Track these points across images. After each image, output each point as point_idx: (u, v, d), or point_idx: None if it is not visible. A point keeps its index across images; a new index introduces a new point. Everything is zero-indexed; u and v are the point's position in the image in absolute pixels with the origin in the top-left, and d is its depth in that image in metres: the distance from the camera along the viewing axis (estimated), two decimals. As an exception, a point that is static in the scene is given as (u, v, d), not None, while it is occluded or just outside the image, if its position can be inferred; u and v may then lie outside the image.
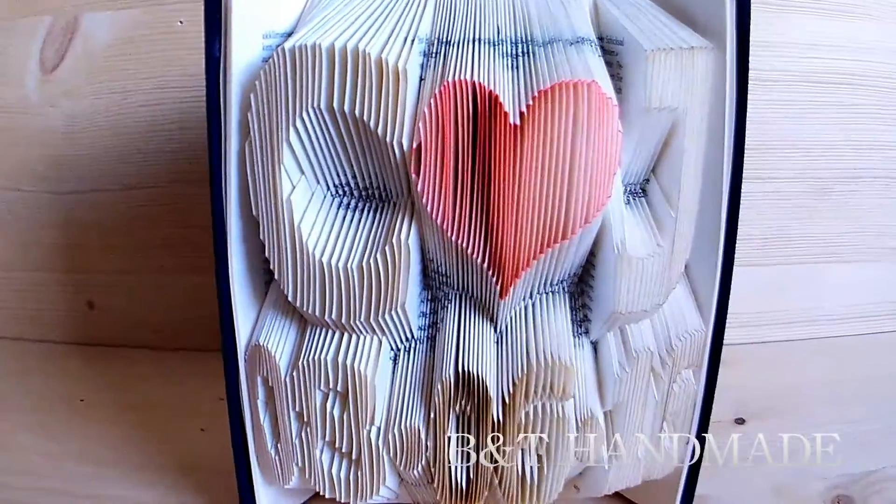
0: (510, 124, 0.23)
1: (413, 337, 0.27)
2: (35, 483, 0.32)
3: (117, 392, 0.40)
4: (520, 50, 0.24)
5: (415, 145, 0.23)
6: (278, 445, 0.28)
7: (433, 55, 0.24)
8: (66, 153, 0.41)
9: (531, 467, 0.27)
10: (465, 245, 0.24)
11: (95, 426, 0.36)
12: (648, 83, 0.23)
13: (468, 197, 0.23)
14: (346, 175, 0.25)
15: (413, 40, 0.24)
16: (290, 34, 0.25)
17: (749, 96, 0.44)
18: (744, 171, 0.44)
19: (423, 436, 0.26)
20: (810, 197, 0.45)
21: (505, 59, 0.24)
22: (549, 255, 0.24)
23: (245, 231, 0.26)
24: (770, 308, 0.46)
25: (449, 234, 0.24)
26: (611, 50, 0.25)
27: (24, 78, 0.40)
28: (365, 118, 0.23)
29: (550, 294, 0.26)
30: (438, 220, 0.23)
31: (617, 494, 0.32)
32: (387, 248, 0.24)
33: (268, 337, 0.26)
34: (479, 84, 0.22)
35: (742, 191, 0.45)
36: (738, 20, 0.25)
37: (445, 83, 0.22)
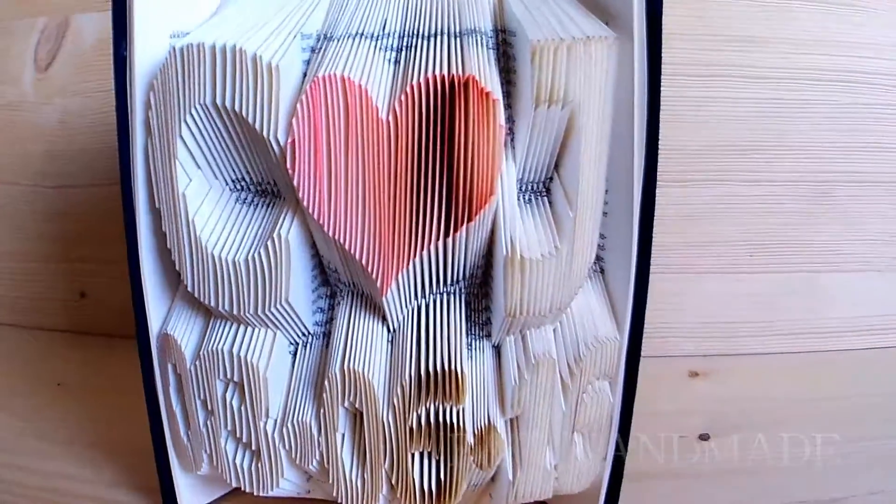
0: (381, 119, 0.23)
1: (310, 332, 0.27)
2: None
3: (95, 377, 0.42)
4: (404, 44, 0.24)
5: (290, 140, 0.23)
6: (189, 433, 0.28)
7: (318, 51, 0.24)
8: (60, 148, 0.44)
9: (428, 472, 0.27)
10: (342, 241, 0.24)
11: (62, 407, 0.39)
12: (535, 76, 0.23)
13: (342, 192, 0.23)
14: (240, 170, 0.26)
15: (296, 36, 0.24)
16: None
17: (741, 94, 0.42)
18: (729, 172, 0.42)
19: (315, 431, 0.26)
20: (806, 201, 0.42)
21: (386, 52, 0.24)
22: (433, 252, 0.24)
23: (156, 223, 0.27)
24: (760, 319, 0.44)
25: (326, 228, 0.24)
26: (509, 42, 0.25)
27: (22, 76, 0.43)
28: (244, 114, 0.23)
29: (446, 295, 0.26)
30: (315, 216, 0.24)
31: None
32: (268, 242, 0.24)
33: (175, 326, 0.27)
34: (348, 79, 0.22)
35: (730, 194, 0.43)
36: (647, 8, 0.24)
37: (315, 79, 0.22)
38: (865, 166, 0.42)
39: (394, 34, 0.24)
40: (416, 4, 0.25)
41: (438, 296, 0.26)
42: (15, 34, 0.43)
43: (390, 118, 0.23)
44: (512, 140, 0.24)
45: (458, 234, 0.24)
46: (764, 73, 0.41)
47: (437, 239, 0.24)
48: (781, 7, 0.40)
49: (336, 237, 0.24)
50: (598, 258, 0.27)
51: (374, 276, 0.24)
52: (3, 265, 0.47)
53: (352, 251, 0.24)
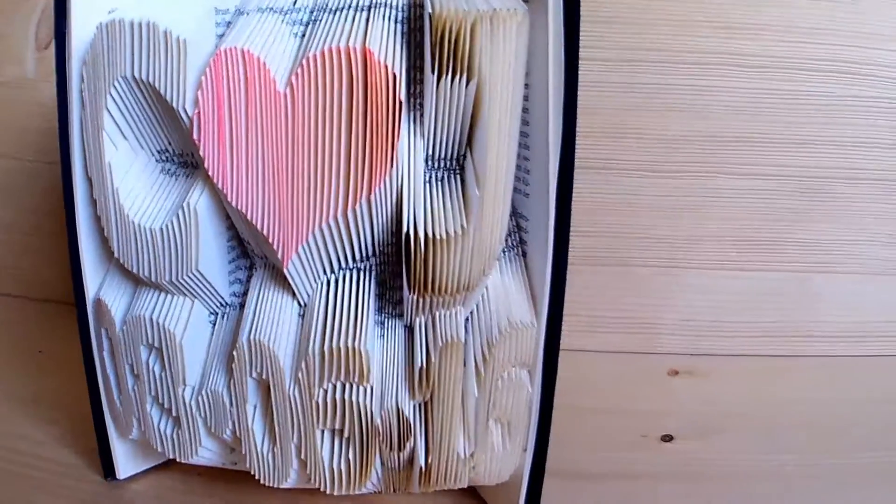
0: (278, 92, 0.23)
1: (227, 303, 0.27)
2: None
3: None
4: (313, 17, 0.24)
5: (195, 112, 0.23)
6: (120, 397, 0.29)
7: (230, 25, 0.25)
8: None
9: (338, 452, 0.27)
10: (244, 211, 0.24)
11: (35, 372, 0.40)
12: (435, 47, 0.22)
13: (243, 162, 0.24)
14: (163, 142, 0.27)
15: (210, 11, 0.24)
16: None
17: (730, 83, 0.41)
18: (719, 165, 0.41)
19: (226, 401, 0.27)
20: (798, 198, 0.40)
21: (294, 27, 0.24)
22: (332, 225, 0.24)
23: (90, 193, 0.28)
24: (750, 319, 0.42)
25: (229, 199, 0.24)
26: (421, 16, 0.24)
27: (24, 55, 0.45)
28: (157, 85, 0.24)
29: (357, 271, 0.26)
30: (220, 185, 0.24)
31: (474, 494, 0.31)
32: (178, 212, 0.25)
33: (107, 292, 0.28)
34: (247, 51, 0.23)
35: (718, 187, 0.41)
36: None
37: (217, 51, 0.23)
38: (861, 162, 0.40)
39: (304, 9, 0.25)
40: (330, -21, 0.25)
41: (349, 272, 0.26)
42: (17, 14, 0.45)
43: (287, 91, 0.23)
44: (421, 116, 0.24)
45: (357, 206, 0.24)
46: (755, 61, 0.39)
47: (336, 211, 0.24)
48: None
49: (239, 207, 0.24)
50: (522, 241, 0.27)
51: (274, 246, 0.24)
52: (5, 237, 0.49)
53: (254, 221, 0.24)
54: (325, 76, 0.22)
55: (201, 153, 0.24)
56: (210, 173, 0.24)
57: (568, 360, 0.27)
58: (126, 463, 0.31)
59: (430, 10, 0.22)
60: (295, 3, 0.25)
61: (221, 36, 0.25)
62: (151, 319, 0.27)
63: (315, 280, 0.26)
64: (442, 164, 0.25)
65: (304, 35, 0.24)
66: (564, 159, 0.25)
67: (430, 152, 0.25)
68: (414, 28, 0.25)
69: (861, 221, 0.41)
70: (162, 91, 0.24)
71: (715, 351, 0.42)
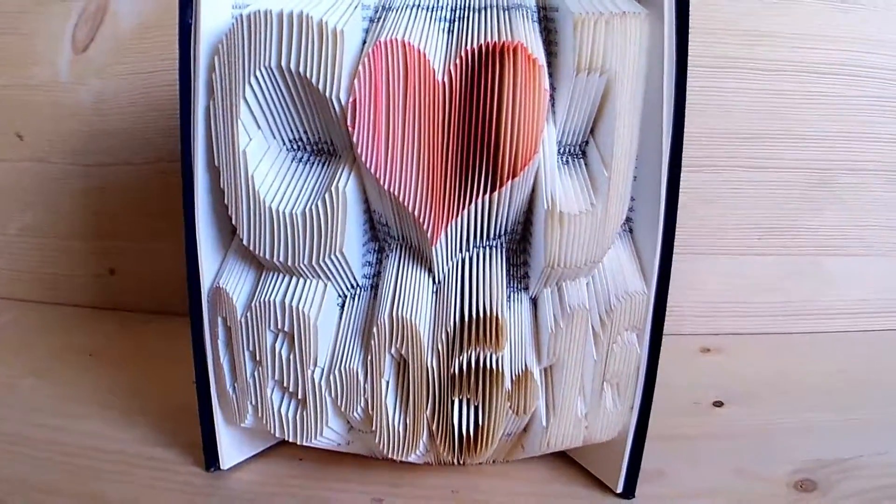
0: (437, 81, 0.25)
1: (358, 285, 0.29)
2: (34, 419, 0.36)
3: (124, 349, 0.44)
4: (457, 15, 0.27)
5: (351, 100, 0.25)
6: (236, 385, 0.30)
7: (377, 20, 0.27)
8: (94, 128, 0.46)
9: (466, 419, 0.29)
10: (396, 193, 0.26)
11: (94, 375, 0.41)
12: (576, 45, 0.25)
13: (398, 148, 0.26)
14: (298, 130, 0.28)
15: (357, 6, 0.26)
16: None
17: (749, 84, 0.46)
18: (737, 158, 0.45)
19: (361, 378, 0.28)
20: (811, 188, 0.46)
21: (441, 23, 0.27)
22: (479, 206, 0.26)
23: (212, 183, 0.29)
24: (769, 299, 0.47)
25: (381, 182, 0.26)
26: (550, 17, 0.27)
27: (59, 57, 0.45)
28: (308, 75, 0.26)
29: (488, 248, 0.28)
30: (372, 170, 0.26)
31: (567, 458, 0.33)
32: (326, 195, 0.27)
33: (228, 280, 0.30)
34: (408, 43, 0.25)
35: (739, 179, 0.46)
36: None
37: (377, 42, 0.25)
38: (867, 155, 0.45)
39: (447, 7, 0.27)
40: (467, -19, 0.28)
41: (481, 249, 0.28)
42: (44, 14, 0.45)
43: (445, 80, 0.25)
44: (553, 105, 0.27)
45: (503, 189, 0.26)
46: (771, 65, 0.44)
47: (484, 193, 0.26)
48: (788, 3, 0.43)
49: (391, 190, 0.26)
50: (628, 219, 0.30)
51: (425, 226, 0.26)
52: (37, 241, 0.49)
53: (406, 203, 0.26)
54: (481, 67, 0.25)
55: (354, 139, 0.26)
56: (362, 159, 0.26)
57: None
58: (231, 452, 0.32)
59: (573, 11, 0.25)
60: (438, 1, 0.27)
61: (366, 30, 0.27)
62: (283, 303, 0.28)
63: (452, 258, 0.28)
64: (567, 150, 0.28)
65: (450, 31, 0.26)
66: (674, 147, 0.28)
67: (560, 138, 0.28)
68: (543, 28, 0.27)
69: (866, 208, 0.46)
70: (314, 80, 0.26)
71: (741, 330, 0.47)
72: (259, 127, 0.28)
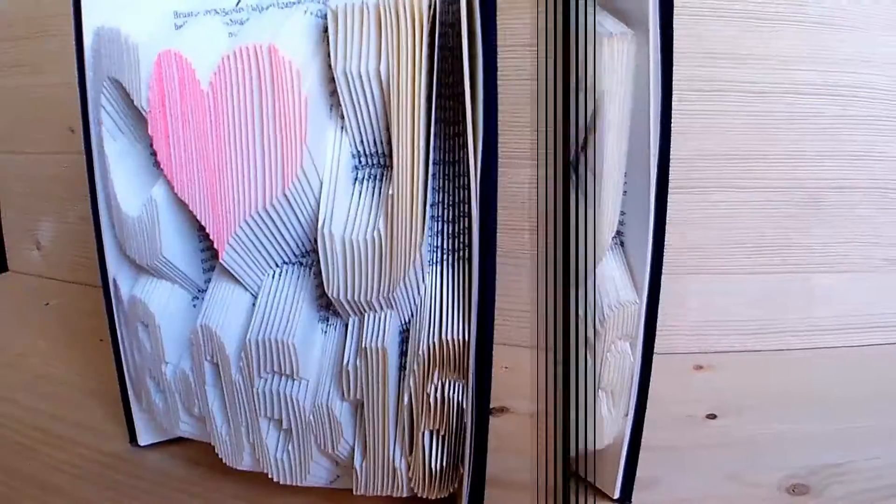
0: (202, 91, 0.24)
1: (204, 289, 0.29)
2: (36, 403, 0.40)
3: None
4: (242, 17, 0.25)
5: (148, 110, 0.26)
6: (133, 369, 0.33)
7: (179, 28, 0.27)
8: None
9: (279, 442, 0.28)
10: (187, 202, 0.26)
11: (97, 360, 0.44)
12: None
13: (182, 157, 0.26)
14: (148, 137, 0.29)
15: (166, 14, 0.26)
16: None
17: (737, 107, 0.44)
18: (727, 179, 0.44)
19: (191, 381, 0.29)
20: (798, 206, 0.45)
21: (232, 26, 0.25)
22: (259, 220, 0.25)
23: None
24: (759, 317, 0.46)
25: (175, 190, 0.26)
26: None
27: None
28: (124, 85, 0.27)
29: (299, 266, 0.27)
30: (168, 178, 0.26)
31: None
32: (146, 202, 0.27)
33: (118, 273, 0.32)
34: (177, 54, 0.24)
35: (727, 200, 0.45)
36: (661, 9, 0.25)
37: (158, 55, 0.25)
38: (851, 173, 0.44)
39: (248, 8, 0.26)
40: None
41: (293, 266, 0.27)
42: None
43: (208, 90, 0.24)
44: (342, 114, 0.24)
45: (275, 201, 0.24)
46: (756, 87, 0.43)
47: (258, 205, 0.24)
48: (770, 27, 0.42)
49: (184, 199, 0.26)
50: (619, 232, 0.28)
51: (211, 237, 0.26)
52: (64, 226, 0.56)
53: (195, 212, 0.26)
54: (238, 75, 0.23)
55: (154, 147, 0.26)
56: (161, 166, 0.26)
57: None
58: (146, 433, 0.35)
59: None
60: (238, 3, 0.26)
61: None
62: (140, 299, 0.30)
63: (261, 272, 0.27)
64: (367, 161, 0.25)
65: (231, 35, 0.25)
66: (661, 162, 0.26)
67: (358, 149, 0.25)
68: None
69: (851, 225, 0.45)
70: (128, 91, 0.27)
71: (731, 348, 0.46)
72: (122, 132, 0.30)
